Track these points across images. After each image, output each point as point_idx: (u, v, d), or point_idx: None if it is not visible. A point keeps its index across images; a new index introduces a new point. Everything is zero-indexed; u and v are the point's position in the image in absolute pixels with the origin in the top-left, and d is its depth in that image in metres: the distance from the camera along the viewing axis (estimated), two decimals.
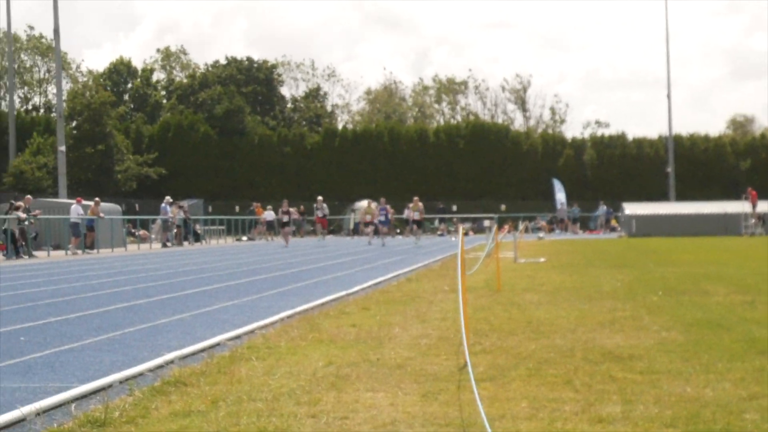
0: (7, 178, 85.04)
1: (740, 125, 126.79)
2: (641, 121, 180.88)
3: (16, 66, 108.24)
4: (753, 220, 68.87)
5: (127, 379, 10.43)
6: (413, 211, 60.04)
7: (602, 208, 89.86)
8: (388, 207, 63.17)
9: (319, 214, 65.56)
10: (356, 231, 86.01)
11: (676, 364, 10.60)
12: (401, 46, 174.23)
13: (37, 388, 9.97)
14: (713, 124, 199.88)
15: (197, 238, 67.24)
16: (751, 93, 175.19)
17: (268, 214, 73.55)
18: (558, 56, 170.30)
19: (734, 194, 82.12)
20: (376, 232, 62.85)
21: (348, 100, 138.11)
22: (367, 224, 64.25)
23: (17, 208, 45.54)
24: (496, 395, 9.06)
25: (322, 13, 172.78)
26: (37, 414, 8.67)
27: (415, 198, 60.58)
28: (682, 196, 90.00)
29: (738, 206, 71.70)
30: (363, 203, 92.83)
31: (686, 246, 45.61)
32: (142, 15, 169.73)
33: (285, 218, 61.49)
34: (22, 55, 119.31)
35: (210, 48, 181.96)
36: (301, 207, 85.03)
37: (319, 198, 65.80)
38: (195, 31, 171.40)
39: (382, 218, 62.62)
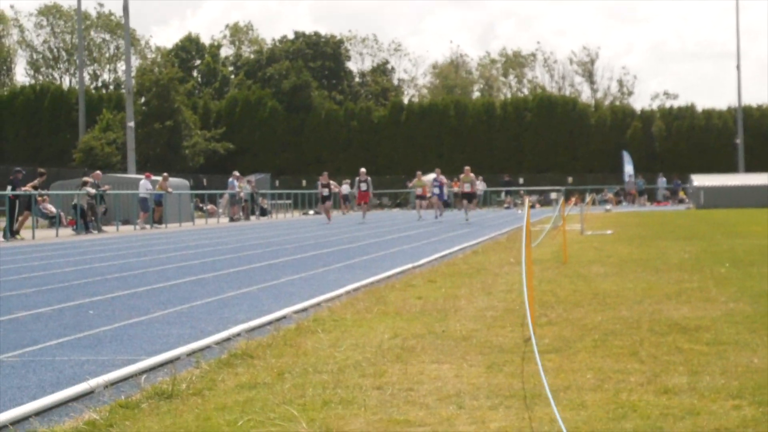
0: (77, 154, 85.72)
1: None
2: (710, 92, 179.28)
3: (86, 43, 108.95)
4: None
5: (194, 351, 10.49)
6: (464, 182, 52.94)
7: (662, 180, 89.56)
8: (443, 179, 58.28)
9: (363, 187, 56.67)
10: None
11: (743, 336, 10.52)
12: (468, 19, 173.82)
13: (106, 360, 10.04)
14: None
15: (264, 212, 67.50)
16: None
17: (345, 188, 73.73)
18: (625, 28, 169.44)
19: None
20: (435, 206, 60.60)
21: (414, 74, 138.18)
22: (418, 197, 61.24)
23: (86, 184, 45.84)
24: (561, 366, 9.03)
25: None
26: (106, 386, 8.73)
27: (466, 168, 53.53)
28: (750, 168, 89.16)
29: None
30: (430, 177, 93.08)
31: (755, 218, 45.17)
32: None
33: (325, 192, 55.91)
34: (92, 33, 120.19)
35: (277, 23, 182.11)
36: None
37: (362, 170, 58.28)
38: (262, 6, 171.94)
39: (437, 191, 58.31)
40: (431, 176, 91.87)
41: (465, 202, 52.14)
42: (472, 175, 51.30)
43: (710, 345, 10.01)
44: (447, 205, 71.81)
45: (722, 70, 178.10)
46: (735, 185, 73.19)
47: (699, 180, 74.48)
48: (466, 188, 51.18)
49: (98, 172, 51.95)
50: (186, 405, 7.82)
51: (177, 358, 10.12)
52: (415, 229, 40.02)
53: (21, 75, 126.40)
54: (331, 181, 55.30)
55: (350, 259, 24.45)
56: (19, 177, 40.86)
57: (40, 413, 7.81)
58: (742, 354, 9.46)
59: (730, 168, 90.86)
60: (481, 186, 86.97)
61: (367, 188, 56.56)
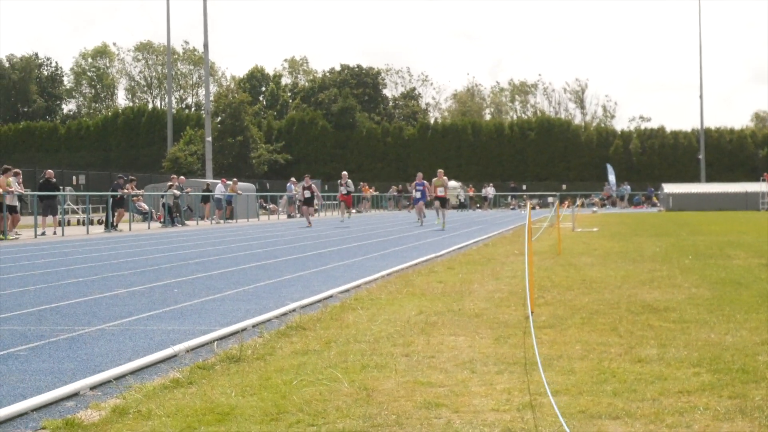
0: (166, 163, 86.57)
1: (762, 119, 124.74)
2: (677, 116, 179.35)
3: (173, 73, 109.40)
4: None
5: (258, 324, 10.52)
6: (436, 186, 40.38)
7: (627, 188, 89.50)
8: (425, 183, 43.98)
9: (343, 191, 48.43)
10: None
11: (703, 315, 10.49)
12: (481, 55, 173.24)
13: (187, 330, 10.09)
14: (737, 119, 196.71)
15: (315, 211, 67.53)
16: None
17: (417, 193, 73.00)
18: (609, 63, 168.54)
19: (754, 177, 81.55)
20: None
21: (438, 99, 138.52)
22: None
23: (172, 186, 46.13)
24: (555, 339, 9.03)
25: (417, 29, 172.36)
26: (187, 351, 8.79)
27: (440, 171, 41.85)
28: (710, 178, 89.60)
29: (756, 186, 71.57)
30: (451, 183, 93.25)
31: (713, 219, 45.06)
32: (272, 31, 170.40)
33: (307, 194, 44.05)
34: (179, 64, 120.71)
35: (327, 57, 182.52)
36: (399, 186, 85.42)
37: (344, 173, 48.98)
38: (315, 43, 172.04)
39: (418, 195, 44.40)
40: (452, 184, 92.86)
41: (437, 203, 40.73)
42: (445, 178, 40.67)
43: (676, 323, 9.99)
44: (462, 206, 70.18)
45: (687, 98, 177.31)
46: (698, 192, 73.35)
47: (668, 188, 74.60)
48: (440, 192, 39.88)
49: (182, 177, 52.23)
50: (251, 367, 7.86)
51: (244, 329, 10.14)
52: (435, 227, 39.91)
53: (122, 98, 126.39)
54: (313, 183, 44.80)
55: (384, 249, 24.46)
56: (120, 182, 41.16)
57: (134, 372, 7.86)
58: (702, 330, 9.43)
59: (694, 178, 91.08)
60: (491, 191, 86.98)
61: (348, 192, 49.13)
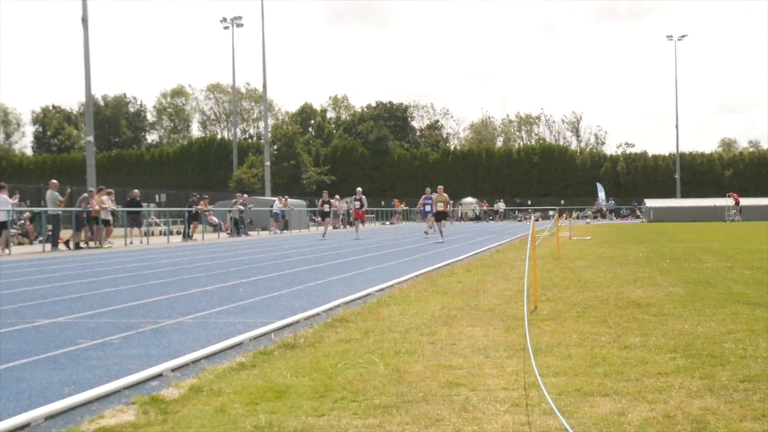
0: (232, 183, 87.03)
1: (727, 144, 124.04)
2: (657, 142, 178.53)
3: (238, 109, 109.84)
4: (733, 211, 68.74)
5: (309, 317, 10.54)
6: (437, 202, 35.20)
7: (611, 203, 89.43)
8: (433, 197, 36.22)
9: (357, 205, 41.18)
10: (462, 218, 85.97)
11: (678, 309, 10.45)
12: (493, 92, 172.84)
13: (250, 322, 10.12)
14: (707, 145, 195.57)
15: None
16: (734, 123, 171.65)
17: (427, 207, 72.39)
18: (600, 98, 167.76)
19: (721, 194, 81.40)
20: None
21: (457, 129, 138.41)
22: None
23: (237, 203, 46.37)
24: (555, 329, 9.02)
25: (439, 71, 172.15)
26: (250, 340, 8.84)
27: (440, 187, 35.94)
28: (685, 195, 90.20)
29: (723, 201, 71.83)
30: (468, 199, 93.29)
31: (687, 229, 44.78)
32: (319, 73, 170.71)
33: (326, 208, 41.42)
34: (243, 102, 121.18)
35: (364, 94, 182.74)
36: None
37: (358, 189, 42.21)
38: (354, 82, 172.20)
39: (428, 208, 37.22)
40: (469, 199, 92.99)
41: (431, 218, 36.21)
42: (445, 195, 35.07)
43: (656, 316, 9.95)
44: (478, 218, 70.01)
45: (665, 127, 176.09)
46: (674, 206, 73.60)
47: (650, 202, 74.72)
48: (439, 207, 34.79)
49: (245, 195, 52.45)
50: (303, 353, 7.89)
51: (297, 321, 10.17)
52: (456, 236, 39.87)
53: (195, 130, 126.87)
54: (332, 199, 42.20)
55: (413, 255, 24.44)
56: (195, 199, 41.42)
57: (207, 357, 7.91)
58: (677, 322, 9.39)
59: (671, 194, 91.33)
60: (502, 206, 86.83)
61: (361, 207, 41.21)
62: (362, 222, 41.57)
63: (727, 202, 70.68)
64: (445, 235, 35.58)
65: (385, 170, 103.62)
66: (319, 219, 48.12)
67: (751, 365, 6.98)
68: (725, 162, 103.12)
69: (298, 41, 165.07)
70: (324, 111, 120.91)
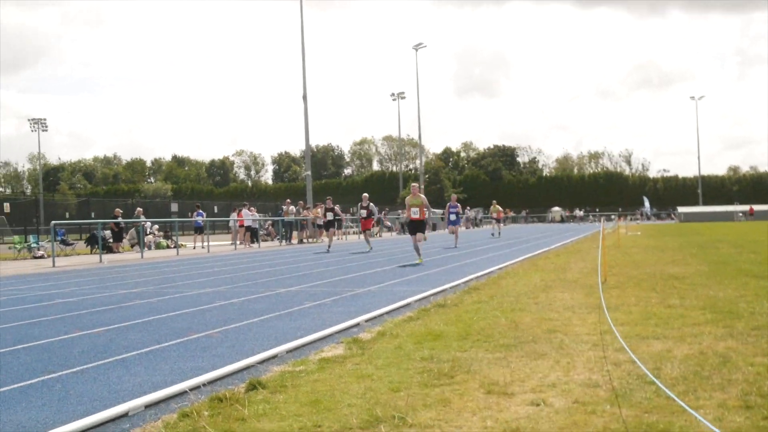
0: (398, 200, 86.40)
1: (733, 170, 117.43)
2: (685, 169, 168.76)
3: (402, 151, 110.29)
4: (740, 214, 66.92)
5: (453, 286, 10.53)
6: (410, 206, 16.46)
7: (653, 209, 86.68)
8: (458, 206, 25.61)
9: (363, 214, 22.64)
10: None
11: (704, 280, 10.03)
12: (571, 138, 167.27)
13: (415, 290, 10.12)
14: (720, 170, 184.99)
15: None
16: (737, 155, 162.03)
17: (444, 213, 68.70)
18: (645, 138, 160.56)
19: (730, 202, 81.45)
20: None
21: (547, 162, 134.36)
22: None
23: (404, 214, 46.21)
24: (619, 295, 8.76)
25: (533, 124, 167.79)
26: (415, 301, 8.85)
27: (414, 185, 16.65)
28: (705, 203, 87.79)
29: (732, 207, 71.31)
30: (556, 208, 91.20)
31: (708, 227, 42.71)
32: (456, 124, 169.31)
33: (329, 216, 25.13)
34: (405, 147, 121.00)
35: (484, 140, 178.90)
36: (527, 211, 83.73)
37: (365, 195, 22.94)
38: (477, 132, 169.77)
39: (453, 217, 25.17)
40: (556, 208, 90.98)
41: (411, 230, 16.64)
42: (422, 196, 16.48)
43: (689, 285, 9.57)
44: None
45: (690, 159, 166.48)
46: (698, 211, 72.45)
47: (681, 209, 74.04)
48: (414, 214, 16.40)
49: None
50: (450, 310, 7.91)
51: (445, 289, 10.13)
52: (547, 232, 38.95)
53: (375, 166, 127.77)
54: (335, 207, 25.35)
55: (519, 245, 24.06)
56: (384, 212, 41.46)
57: (389, 312, 7.97)
58: (704, 289, 9.01)
59: (695, 203, 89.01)
60: (579, 212, 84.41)
61: (368, 215, 22.67)
62: (369, 230, 23.20)
63: (735, 208, 69.88)
64: (527, 235, 33.99)
65: (500, 191, 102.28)
66: (322, 230, 31.07)
67: (759, 319, 6.66)
68: (732, 181, 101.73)
69: (439, 106, 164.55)
70: (458, 152, 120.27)
